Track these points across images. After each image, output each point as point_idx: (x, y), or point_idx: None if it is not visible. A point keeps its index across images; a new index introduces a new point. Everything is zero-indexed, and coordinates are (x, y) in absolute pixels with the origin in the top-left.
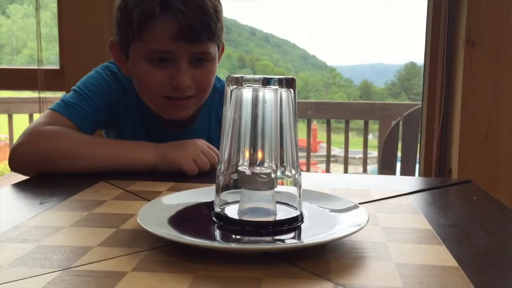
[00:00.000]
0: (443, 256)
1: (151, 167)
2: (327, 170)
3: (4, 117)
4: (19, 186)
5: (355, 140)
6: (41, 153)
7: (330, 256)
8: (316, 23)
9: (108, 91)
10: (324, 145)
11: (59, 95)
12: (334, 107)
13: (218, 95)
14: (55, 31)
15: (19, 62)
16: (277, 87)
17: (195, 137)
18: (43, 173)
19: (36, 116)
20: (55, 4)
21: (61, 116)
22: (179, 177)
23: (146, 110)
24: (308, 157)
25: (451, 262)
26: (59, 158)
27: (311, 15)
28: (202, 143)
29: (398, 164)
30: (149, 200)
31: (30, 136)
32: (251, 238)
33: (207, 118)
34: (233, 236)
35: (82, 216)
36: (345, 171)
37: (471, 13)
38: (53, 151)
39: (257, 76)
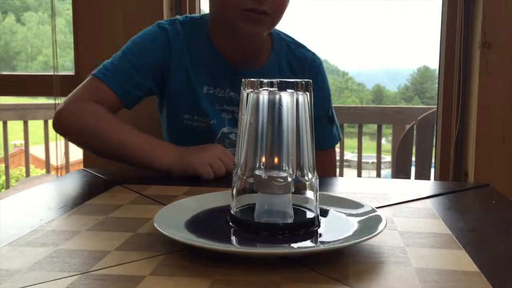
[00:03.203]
0: (463, 261)
1: (165, 169)
2: (340, 175)
3: (20, 123)
4: (36, 190)
5: (368, 144)
6: (77, 129)
7: (348, 261)
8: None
9: (156, 49)
10: (337, 149)
11: None
12: (348, 112)
13: (286, 44)
14: (69, 38)
15: (34, 69)
16: (294, 90)
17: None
18: (78, 144)
19: (51, 123)
20: (69, 11)
21: (101, 83)
22: (195, 181)
23: (214, 52)
24: None
25: (472, 267)
26: (91, 137)
27: (323, 19)
28: (219, 148)
29: (412, 169)
30: (165, 204)
31: (72, 106)
32: (268, 242)
33: (277, 63)
34: (250, 240)
35: (99, 220)
36: (359, 175)
37: (486, 15)
38: (87, 129)
39: (274, 80)
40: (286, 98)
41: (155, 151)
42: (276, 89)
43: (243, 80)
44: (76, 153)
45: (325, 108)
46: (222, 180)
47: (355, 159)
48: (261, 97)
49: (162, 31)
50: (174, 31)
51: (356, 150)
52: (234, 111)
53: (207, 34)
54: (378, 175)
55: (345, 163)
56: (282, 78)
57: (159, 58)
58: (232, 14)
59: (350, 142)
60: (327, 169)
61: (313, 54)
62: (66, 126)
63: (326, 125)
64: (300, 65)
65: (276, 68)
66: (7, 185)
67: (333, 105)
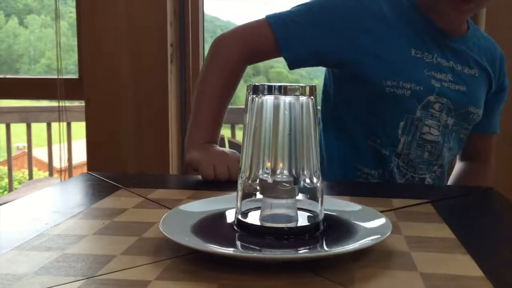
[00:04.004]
0: (468, 266)
1: (186, 150)
2: None
3: (23, 126)
4: (41, 194)
5: None
6: (206, 62)
7: (353, 266)
8: None
9: (347, 10)
10: None
11: (77, 104)
12: None
13: (481, 37)
14: (71, 41)
15: (37, 71)
16: (298, 95)
17: (467, 47)
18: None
19: (54, 125)
20: (72, 14)
21: (269, 27)
22: (200, 184)
23: (421, 14)
24: None
25: (477, 271)
26: (201, 76)
27: None
28: (233, 155)
29: None
30: (170, 208)
31: (230, 37)
32: (274, 247)
33: (473, 33)
34: (256, 245)
35: (105, 225)
36: None
37: (488, 16)
38: (204, 70)
39: (278, 84)
40: (291, 102)
41: (194, 132)
42: (281, 93)
43: (248, 84)
44: (79, 155)
45: (506, 94)
46: (227, 184)
47: None
48: (266, 101)
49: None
50: None
51: None
52: (442, 80)
53: None
54: None
55: None
56: (479, 49)
57: (350, 20)
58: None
59: None
60: (489, 154)
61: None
62: (208, 52)
63: (500, 112)
64: (488, 43)
65: (476, 38)
66: (10, 188)
67: None
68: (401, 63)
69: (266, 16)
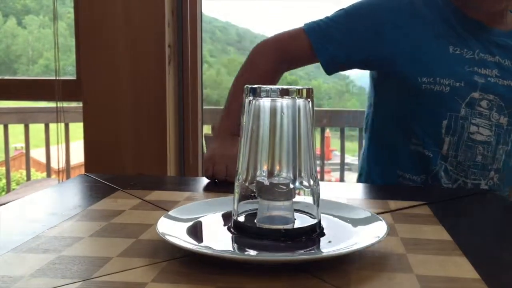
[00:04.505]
0: (464, 268)
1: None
2: (341, 179)
3: (21, 126)
4: (38, 196)
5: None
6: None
7: (350, 268)
8: None
9: (380, 14)
10: (337, 153)
11: (75, 105)
12: (348, 115)
13: None
14: (69, 41)
15: (35, 72)
16: (295, 97)
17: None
18: None
19: (52, 126)
20: (70, 15)
21: (304, 33)
22: (199, 187)
23: (456, 10)
24: (322, 165)
25: (473, 274)
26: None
27: None
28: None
29: None
30: (167, 210)
31: (265, 44)
32: (271, 249)
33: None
34: (253, 247)
35: (101, 226)
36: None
37: None
38: (242, 68)
39: (275, 87)
40: (288, 105)
41: (221, 125)
42: (278, 95)
43: (245, 87)
44: (77, 156)
45: None
46: (224, 186)
47: (356, 162)
48: (263, 104)
49: None
50: None
51: (356, 154)
52: (487, 75)
53: None
54: None
55: (346, 167)
56: None
57: (381, 20)
58: None
59: (350, 146)
60: None
61: None
62: (246, 60)
63: None
64: None
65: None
66: (7, 189)
67: (333, 108)
68: (437, 60)
69: (305, 24)
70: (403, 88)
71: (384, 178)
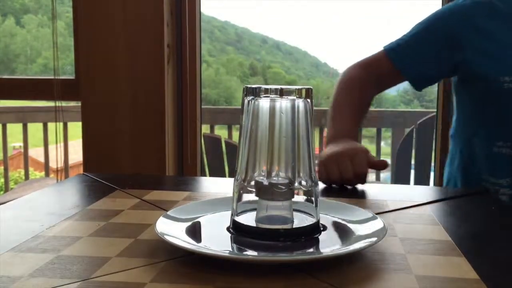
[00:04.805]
0: (463, 268)
1: None
2: None
3: (19, 126)
4: (37, 195)
5: (367, 147)
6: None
7: (349, 268)
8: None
9: (456, 18)
10: None
11: (74, 104)
12: None
13: None
14: (68, 41)
15: (34, 71)
16: (294, 97)
17: None
18: None
19: (51, 126)
20: (69, 14)
21: (386, 56)
22: (197, 186)
23: None
24: None
25: (472, 274)
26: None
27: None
28: (358, 149)
29: (412, 172)
30: (165, 210)
31: (355, 70)
32: (269, 249)
33: None
34: (251, 247)
35: (100, 226)
36: None
37: None
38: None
39: (274, 87)
40: (287, 105)
41: (327, 137)
42: (277, 95)
43: (244, 86)
44: (76, 155)
45: None
46: (223, 186)
47: None
48: (261, 104)
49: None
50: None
51: None
52: None
53: None
54: (378, 178)
55: None
56: None
57: (457, 24)
58: None
59: None
60: None
61: None
62: (337, 85)
63: None
64: None
65: None
66: (6, 188)
67: None
68: None
69: (384, 46)
70: (485, 90)
71: (468, 183)
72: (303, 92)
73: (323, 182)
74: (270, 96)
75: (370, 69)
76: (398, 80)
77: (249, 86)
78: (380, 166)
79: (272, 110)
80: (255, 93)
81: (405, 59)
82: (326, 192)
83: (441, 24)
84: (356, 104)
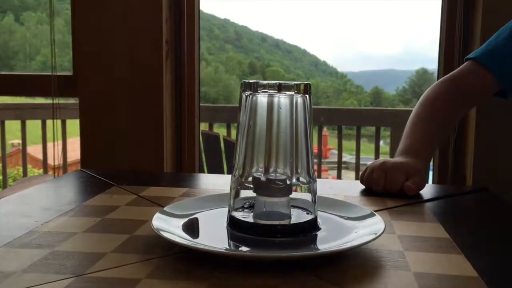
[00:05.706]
0: (462, 266)
1: None
2: (338, 177)
3: (17, 123)
4: (32, 191)
5: (366, 146)
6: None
7: (347, 265)
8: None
9: None
10: (334, 151)
11: (72, 101)
12: (346, 114)
13: None
14: (67, 38)
15: (33, 69)
16: (293, 93)
17: None
18: None
19: (49, 123)
20: (68, 11)
21: (479, 65)
22: (194, 183)
23: None
24: (319, 164)
25: (471, 272)
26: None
27: (322, 22)
28: (402, 172)
29: None
30: (162, 206)
31: (442, 87)
32: (267, 245)
33: None
34: (248, 243)
35: (96, 222)
36: (356, 178)
37: (485, 19)
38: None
39: (273, 82)
40: (285, 100)
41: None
42: (276, 91)
43: (242, 82)
44: (74, 153)
45: None
46: (220, 182)
47: (353, 161)
48: (260, 99)
49: None
50: None
51: (354, 152)
52: None
53: None
54: None
55: (343, 165)
56: None
57: None
58: None
59: (348, 144)
60: None
61: None
62: (420, 102)
63: None
64: None
65: None
66: (4, 185)
67: (331, 107)
68: None
69: (465, 58)
70: None
71: None
72: (302, 87)
73: (363, 183)
74: (268, 91)
75: (460, 81)
76: (491, 91)
77: (247, 81)
78: (408, 191)
79: (270, 105)
80: (253, 88)
81: (502, 65)
82: (324, 189)
83: None
84: (436, 120)
